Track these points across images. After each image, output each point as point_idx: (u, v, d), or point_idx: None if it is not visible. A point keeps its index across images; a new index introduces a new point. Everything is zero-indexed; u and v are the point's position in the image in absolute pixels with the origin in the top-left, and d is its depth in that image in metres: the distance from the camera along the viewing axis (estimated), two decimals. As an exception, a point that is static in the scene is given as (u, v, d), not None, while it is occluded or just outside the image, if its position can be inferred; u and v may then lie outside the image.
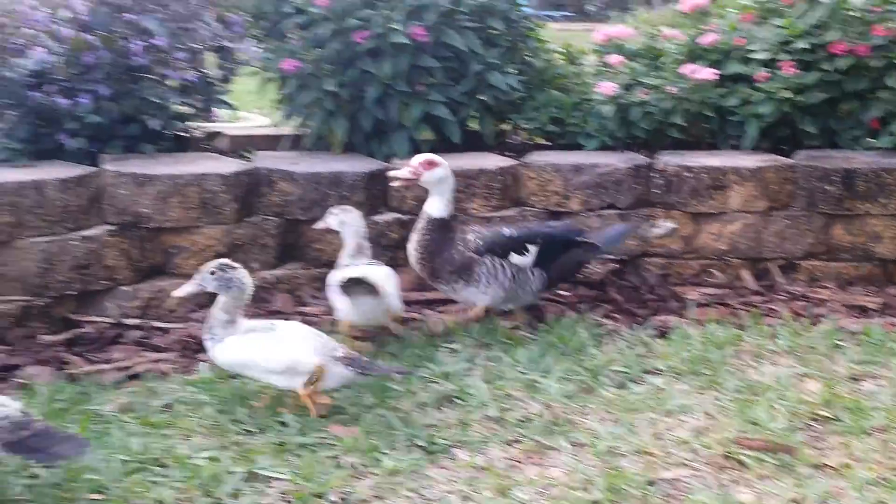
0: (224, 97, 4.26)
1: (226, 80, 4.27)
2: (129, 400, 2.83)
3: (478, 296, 3.38)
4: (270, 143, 4.52)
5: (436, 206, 3.32)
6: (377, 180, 3.79)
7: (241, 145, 4.43)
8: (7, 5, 3.71)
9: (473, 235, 3.39)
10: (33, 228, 3.36)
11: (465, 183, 3.81)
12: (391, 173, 3.44)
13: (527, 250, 3.38)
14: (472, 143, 4.29)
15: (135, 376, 3.04)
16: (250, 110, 6.33)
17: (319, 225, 3.35)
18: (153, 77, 3.88)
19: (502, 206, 3.91)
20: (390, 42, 3.98)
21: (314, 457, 2.49)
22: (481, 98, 4.24)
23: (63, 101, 3.57)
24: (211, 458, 2.47)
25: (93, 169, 3.57)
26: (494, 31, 4.32)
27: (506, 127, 4.57)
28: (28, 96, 3.58)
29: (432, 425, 2.65)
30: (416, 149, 4.09)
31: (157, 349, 3.27)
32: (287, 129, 4.47)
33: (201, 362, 3.07)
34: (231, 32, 4.25)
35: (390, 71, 3.99)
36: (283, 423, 2.66)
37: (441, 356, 3.12)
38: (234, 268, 2.76)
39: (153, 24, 3.82)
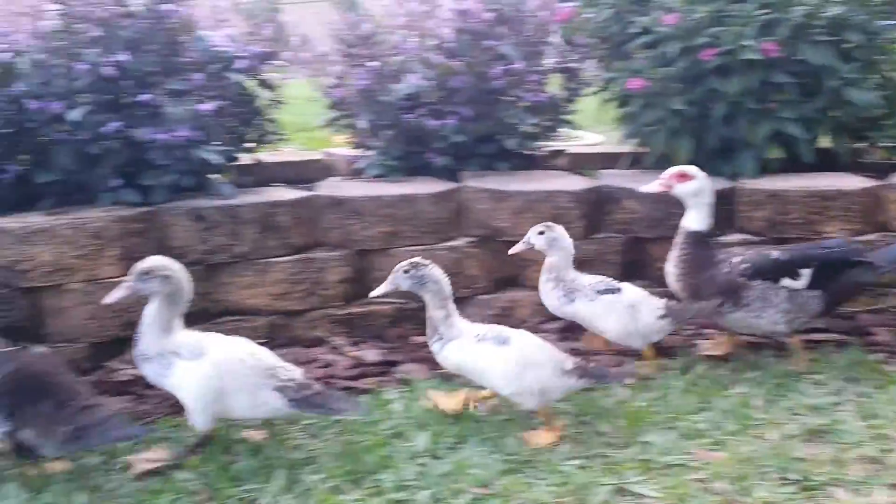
0: (568, 117, 4.43)
1: (570, 100, 4.43)
2: (496, 402, 3.05)
3: (749, 320, 3.28)
4: (608, 161, 4.62)
5: (693, 220, 3.29)
6: (725, 200, 3.75)
7: (581, 163, 4.57)
8: (383, 36, 4.11)
9: (740, 258, 3.28)
10: (406, 238, 3.71)
11: (821, 205, 3.67)
12: (641, 188, 3.44)
13: (798, 274, 3.24)
14: (824, 162, 4.11)
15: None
16: (583, 129, 6.49)
17: (518, 248, 3.30)
18: (508, 99, 4.12)
19: (863, 230, 3.71)
20: (739, 59, 3.92)
21: (681, 479, 2.52)
22: (835, 115, 4.05)
23: (432, 123, 3.90)
24: (580, 467, 2.60)
25: (455, 185, 3.87)
26: (851, 45, 4.11)
27: (860, 145, 4.32)
28: (402, 118, 3.96)
29: (803, 459, 2.59)
30: (763, 168, 3.99)
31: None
32: (626, 148, 4.55)
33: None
34: (576, 54, 4.41)
35: (739, 88, 3.93)
36: (646, 442, 2.72)
37: (805, 387, 3.03)
38: (424, 265, 2.85)
39: (509, 50, 4.06)
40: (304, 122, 5.82)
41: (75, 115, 3.22)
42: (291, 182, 4.04)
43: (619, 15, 4.34)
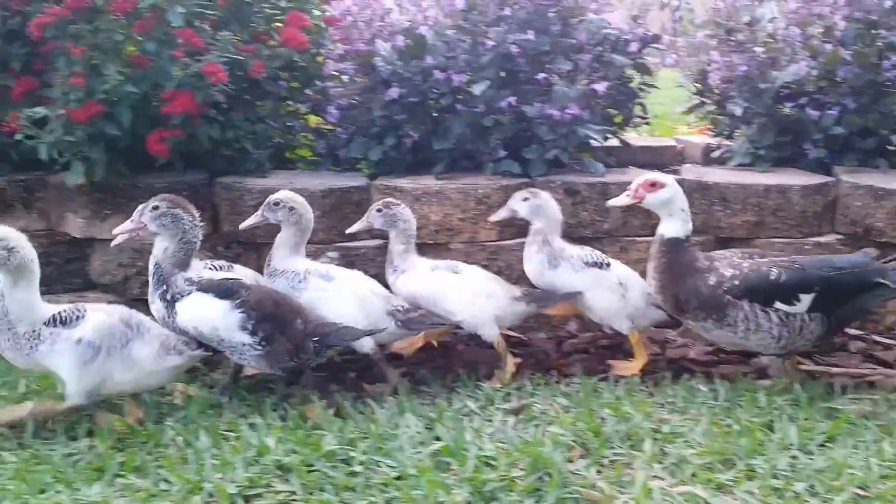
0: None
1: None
2: (869, 408, 2.94)
3: (736, 340, 3.03)
4: None
5: (668, 227, 3.05)
6: None
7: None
8: (765, 23, 4.02)
9: (731, 272, 2.98)
10: (772, 229, 3.64)
11: None
12: (609, 203, 3.22)
13: (797, 299, 2.92)
14: None
15: (870, 384, 3.14)
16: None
17: (500, 215, 3.31)
18: (896, 92, 3.88)
19: None
20: None
21: None
22: None
23: (812, 113, 3.77)
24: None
25: (830, 179, 3.73)
26: None
27: None
28: (778, 106, 3.87)
29: None
30: None
31: (883, 363, 3.32)
32: None
33: None
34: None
35: None
36: None
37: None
38: (396, 205, 3.21)
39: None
40: (661, 108, 5.85)
41: (478, 88, 3.51)
42: (646, 166, 4.09)
43: None
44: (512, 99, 3.55)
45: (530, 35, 3.59)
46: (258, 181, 3.65)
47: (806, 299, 2.94)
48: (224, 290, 2.89)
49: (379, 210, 3.21)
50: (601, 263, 3.25)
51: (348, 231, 3.33)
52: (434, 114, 3.75)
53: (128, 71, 3.36)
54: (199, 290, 2.90)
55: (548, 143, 3.67)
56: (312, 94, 4.03)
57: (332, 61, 3.90)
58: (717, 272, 3.00)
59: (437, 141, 3.71)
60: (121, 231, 2.98)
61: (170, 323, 2.95)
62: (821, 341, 3.08)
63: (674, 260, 3.02)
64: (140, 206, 2.95)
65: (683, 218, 3.06)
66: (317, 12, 3.97)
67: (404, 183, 3.64)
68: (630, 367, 3.21)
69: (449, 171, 3.76)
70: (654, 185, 3.06)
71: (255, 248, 3.63)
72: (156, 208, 2.91)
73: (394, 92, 3.63)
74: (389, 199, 3.26)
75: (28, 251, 2.74)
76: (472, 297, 3.16)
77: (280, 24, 3.89)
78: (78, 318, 2.76)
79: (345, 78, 3.94)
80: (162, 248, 2.93)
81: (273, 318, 2.88)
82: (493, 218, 3.37)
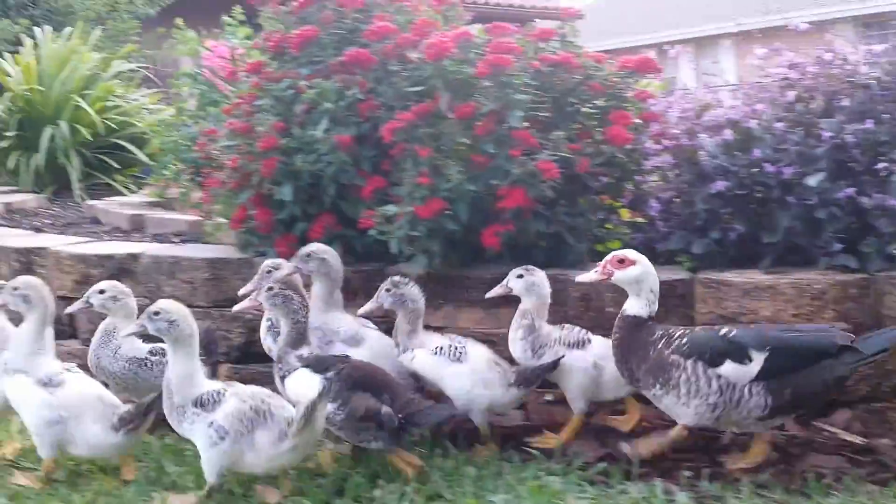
0: None
1: None
2: None
3: (678, 408, 2.94)
4: None
5: (631, 305, 3.08)
6: None
7: None
8: None
9: (681, 332, 3.00)
10: None
11: None
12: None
13: (749, 358, 2.84)
14: None
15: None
16: None
17: (496, 291, 3.37)
18: None
19: None
20: None
21: None
22: None
23: None
24: None
25: None
26: None
27: None
28: None
29: None
30: None
31: None
32: None
33: None
34: None
35: None
36: None
37: None
38: (405, 284, 3.29)
39: None
40: None
41: (813, 180, 3.41)
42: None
43: None
44: (850, 190, 3.41)
45: (868, 124, 3.45)
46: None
47: (759, 358, 2.85)
48: (319, 364, 3.07)
49: (388, 290, 3.30)
50: (581, 342, 3.34)
51: (362, 311, 3.42)
52: (760, 207, 3.68)
53: (467, 170, 3.60)
54: (303, 366, 3.09)
55: (887, 236, 3.47)
56: (630, 188, 4.10)
57: (650, 155, 3.96)
58: (668, 337, 3.00)
59: (766, 234, 3.62)
60: (240, 308, 3.37)
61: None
62: (767, 420, 2.95)
63: (628, 336, 3.04)
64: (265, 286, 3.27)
65: (650, 299, 3.07)
66: (636, 108, 4.07)
67: (731, 277, 3.57)
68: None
69: (777, 265, 3.65)
70: (622, 262, 3.08)
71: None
72: (270, 289, 3.19)
73: (719, 185, 3.61)
74: (397, 278, 3.34)
75: (188, 324, 2.92)
76: (470, 385, 3.25)
77: (595, 122, 4.03)
78: (216, 402, 2.89)
79: (664, 172, 3.97)
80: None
81: (356, 389, 2.97)
82: (490, 294, 3.42)
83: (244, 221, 4.11)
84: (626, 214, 4.29)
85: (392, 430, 2.93)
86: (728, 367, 2.87)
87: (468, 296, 3.79)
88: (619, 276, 3.08)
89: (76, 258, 4.09)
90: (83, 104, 7.07)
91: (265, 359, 3.57)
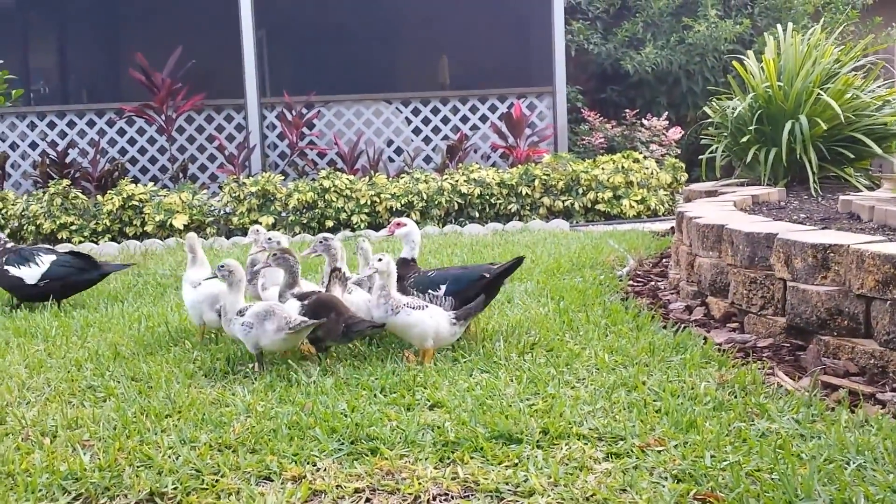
0: None
1: None
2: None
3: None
4: None
5: (405, 251, 4.56)
6: None
7: None
8: None
9: (424, 270, 4.52)
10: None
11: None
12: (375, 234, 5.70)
13: (437, 288, 4.33)
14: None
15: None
16: None
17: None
18: None
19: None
20: None
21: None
22: None
23: None
24: None
25: None
26: None
27: None
28: None
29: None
30: None
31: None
32: None
33: None
34: None
35: None
36: None
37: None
38: (331, 237, 4.45)
39: None
40: None
41: None
42: None
43: None
44: None
45: None
46: None
47: (443, 287, 4.34)
48: (300, 296, 4.18)
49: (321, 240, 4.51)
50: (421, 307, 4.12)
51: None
52: None
53: None
54: (293, 296, 4.23)
55: None
56: None
57: None
58: (420, 273, 4.48)
59: None
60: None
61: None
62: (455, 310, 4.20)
63: (401, 271, 4.33)
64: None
65: (412, 247, 4.57)
66: None
67: None
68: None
69: None
70: (399, 224, 4.58)
71: None
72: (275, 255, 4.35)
73: None
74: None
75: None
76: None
77: None
78: (244, 310, 4.08)
79: None
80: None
81: (317, 310, 4.06)
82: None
83: None
84: None
85: (339, 333, 4.10)
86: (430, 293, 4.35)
87: None
88: (397, 232, 4.58)
89: (881, 258, 3.95)
90: (824, 97, 6.99)
91: None
